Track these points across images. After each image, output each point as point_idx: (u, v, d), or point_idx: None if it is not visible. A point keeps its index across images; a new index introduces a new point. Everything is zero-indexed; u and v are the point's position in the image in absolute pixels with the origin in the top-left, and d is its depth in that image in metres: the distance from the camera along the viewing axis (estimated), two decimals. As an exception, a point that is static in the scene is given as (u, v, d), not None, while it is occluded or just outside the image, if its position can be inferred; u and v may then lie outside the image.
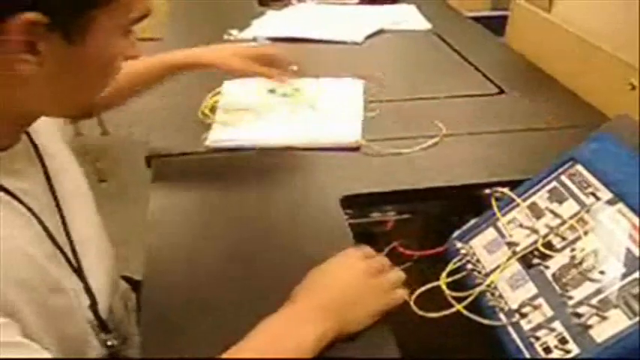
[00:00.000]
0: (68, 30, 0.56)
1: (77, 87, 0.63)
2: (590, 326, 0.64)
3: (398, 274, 0.74)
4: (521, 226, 0.78)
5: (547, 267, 0.72)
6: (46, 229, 0.68)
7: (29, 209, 0.66)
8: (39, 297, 0.62)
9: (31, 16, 0.53)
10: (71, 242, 0.75)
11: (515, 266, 0.75)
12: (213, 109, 1.19)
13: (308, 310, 0.66)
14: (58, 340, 0.65)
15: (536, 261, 0.73)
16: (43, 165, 0.74)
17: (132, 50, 0.67)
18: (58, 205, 0.74)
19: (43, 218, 0.68)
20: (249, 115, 1.17)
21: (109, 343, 0.78)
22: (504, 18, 1.70)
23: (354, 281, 0.70)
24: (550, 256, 0.73)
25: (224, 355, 0.61)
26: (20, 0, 0.53)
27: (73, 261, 0.74)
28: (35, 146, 0.73)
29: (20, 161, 0.68)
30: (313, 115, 1.19)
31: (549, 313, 0.68)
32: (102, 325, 0.77)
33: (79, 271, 0.74)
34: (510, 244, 0.77)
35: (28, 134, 0.72)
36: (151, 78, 1.06)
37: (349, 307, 0.68)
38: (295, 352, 0.62)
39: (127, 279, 1.02)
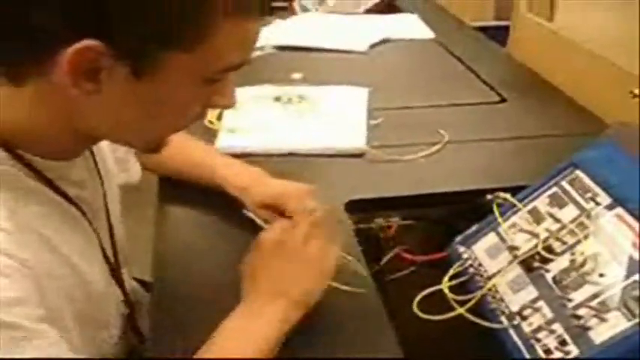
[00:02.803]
0: (138, 65, 0.53)
1: (141, 121, 0.60)
2: (589, 328, 0.65)
3: (319, 231, 0.73)
4: (522, 230, 0.80)
5: (547, 270, 0.73)
6: (99, 239, 0.70)
7: (85, 216, 0.67)
8: (77, 304, 0.62)
9: (90, 43, 0.50)
10: (117, 259, 0.76)
11: (516, 270, 0.76)
12: (219, 117, 1.21)
13: (259, 302, 0.68)
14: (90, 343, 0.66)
15: (536, 264, 0.75)
16: (102, 181, 0.74)
17: (221, 99, 0.63)
18: (109, 223, 0.75)
19: (96, 229, 0.70)
20: (255, 122, 1.19)
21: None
22: (508, 28, 1.72)
23: (285, 258, 0.71)
24: (550, 260, 0.74)
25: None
26: (81, 26, 0.50)
27: (119, 276, 0.76)
28: (96, 163, 0.73)
29: (80, 173, 0.68)
30: (318, 121, 1.21)
31: (549, 315, 0.69)
32: (137, 334, 0.80)
33: (121, 285, 0.76)
34: (511, 249, 0.79)
35: (92, 152, 0.73)
36: (194, 180, 0.97)
37: (293, 283, 0.69)
38: (262, 343, 0.64)
39: (138, 281, 1.03)
